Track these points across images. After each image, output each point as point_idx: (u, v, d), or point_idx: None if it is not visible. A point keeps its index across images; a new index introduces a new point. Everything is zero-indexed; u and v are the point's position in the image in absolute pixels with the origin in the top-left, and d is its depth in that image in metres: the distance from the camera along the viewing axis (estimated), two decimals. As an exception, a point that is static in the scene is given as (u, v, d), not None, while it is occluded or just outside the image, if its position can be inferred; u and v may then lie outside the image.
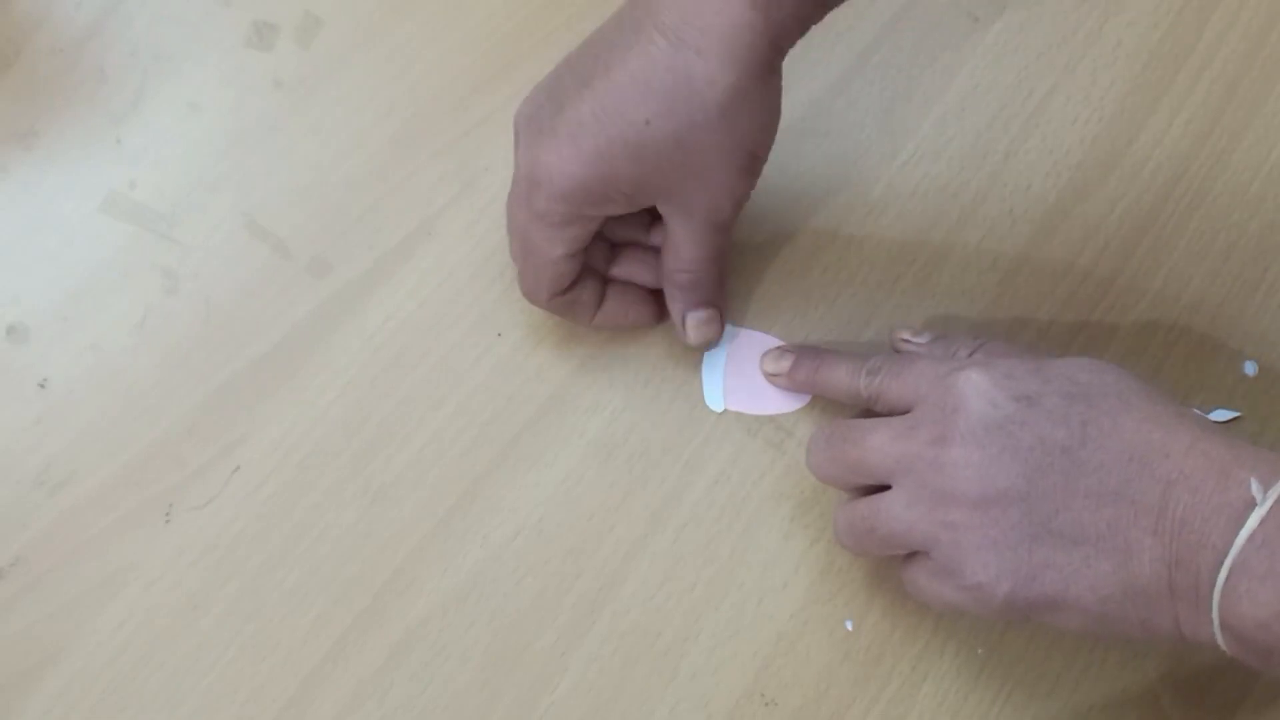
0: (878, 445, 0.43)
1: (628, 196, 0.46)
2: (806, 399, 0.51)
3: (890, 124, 0.55)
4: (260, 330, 0.51)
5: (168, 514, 0.48)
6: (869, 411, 0.46)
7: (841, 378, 0.47)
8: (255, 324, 0.51)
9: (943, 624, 0.49)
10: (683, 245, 0.48)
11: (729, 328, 0.52)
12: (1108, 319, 0.53)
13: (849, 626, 0.48)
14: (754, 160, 0.46)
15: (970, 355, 0.45)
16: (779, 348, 0.51)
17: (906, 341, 0.49)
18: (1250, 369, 0.53)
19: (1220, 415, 0.52)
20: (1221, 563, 0.36)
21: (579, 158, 0.44)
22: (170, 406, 0.50)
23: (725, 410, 0.51)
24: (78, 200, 0.52)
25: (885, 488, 0.43)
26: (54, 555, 0.47)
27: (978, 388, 0.41)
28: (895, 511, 0.42)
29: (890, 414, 0.44)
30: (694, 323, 0.49)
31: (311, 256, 0.52)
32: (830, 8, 0.45)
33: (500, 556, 0.49)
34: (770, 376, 0.51)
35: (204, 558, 0.48)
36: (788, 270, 0.53)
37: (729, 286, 0.51)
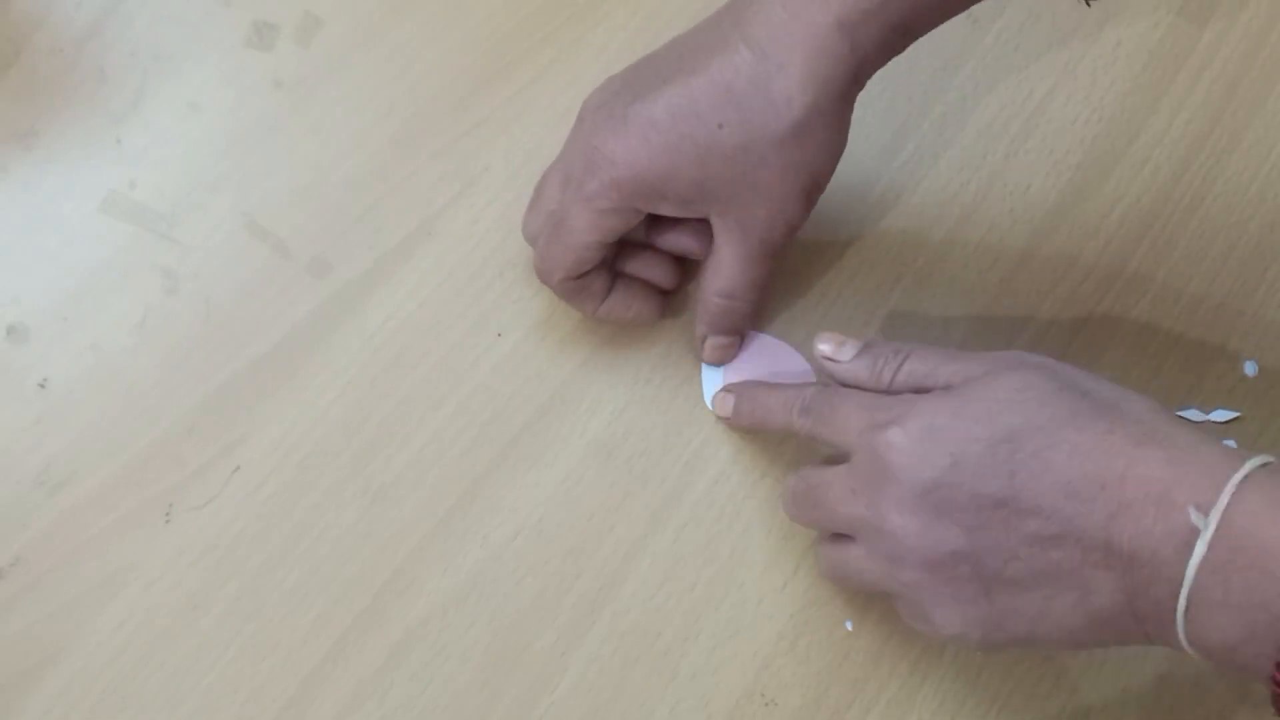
0: (831, 505, 0.43)
1: (683, 200, 0.46)
2: (806, 399, 0.51)
3: (890, 124, 0.55)
4: (260, 330, 0.51)
5: (168, 514, 0.48)
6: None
7: (777, 416, 0.47)
8: (255, 324, 0.51)
9: (943, 624, 0.49)
10: (727, 265, 0.47)
11: (729, 328, 0.52)
12: (1108, 319, 0.53)
13: (849, 626, 0.48)
14: (814, 185, 0.46)
15: (894, 376, 0.43)
16: (724, 388, 0.50)
17: (829, 360, 0.46)
18: (1250, 369, 0.53)
19: (1220, 415, 0.52)
20: (1178, 594, 0.36)
21: (645, 149, 0.44)
22: (170, 406, 0.50)
23: (725, 410, 0.51)
24: (78, 200, 0.52)
25: None
26: (54, 555, 0.47)
27: (901, 452, 0.40)
28: (859, 565, 0.43)
29: (833, 451, 0.44)
30: (713, 345, 0.50)
31: (311, 256, 0.52)
32: (913, 39, 0.45)
33: (500, 556, 0.49)
34: (724, 420, 0.50)
35: (204, 558, 0.48)
36: (788, 270, 0.53)
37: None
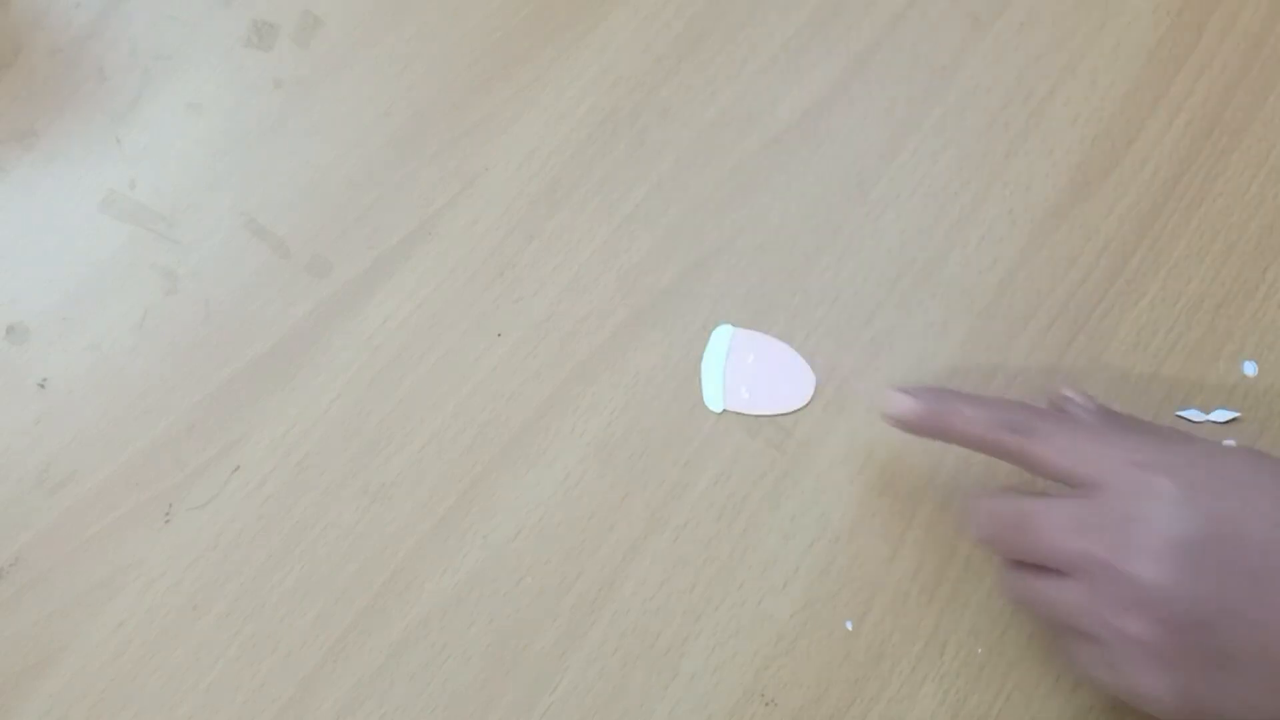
0: (1053, 536, 0.40)
1: None
2: (806, 399, 0.51)
3: (890, 124, 0.55)
4: (260, 330, 0.51)
5: (168, 514, 0.48)
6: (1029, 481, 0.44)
7: (977, 428, 0.43)
8: (255, 324, 0.51)
9: (943, 624, 0.49)
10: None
11: (728, 328, 0.52)
12: (1107, 319, 0.53)
13: (849, 626, 0.48)
14: None
15: (1144, 447, 0.41)
16: (899, 389, 0.46)
17: (1070, 400, 0.46)
18: (1250, 369, 0.53)
19: (1220, 415, 0.52)
20: None
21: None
22: (170, 406, 0.50)
23: (725, 410, 0.51)
24: (78, 200, 0.52)
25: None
26: (54, 555, 0.47)
27: (1170, 499, 0.38)
28: (1074, 602, 0.40)
29: (1049, 479, 0.42)
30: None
31: (311, 256, 0.52)
32: None
33: (500, 556, 0.49)
34: (892, 421, 0.46)
35: (204, 558, 0.48)
36: (788, 270, 0.53)
37: (727, 287, 0.51)
